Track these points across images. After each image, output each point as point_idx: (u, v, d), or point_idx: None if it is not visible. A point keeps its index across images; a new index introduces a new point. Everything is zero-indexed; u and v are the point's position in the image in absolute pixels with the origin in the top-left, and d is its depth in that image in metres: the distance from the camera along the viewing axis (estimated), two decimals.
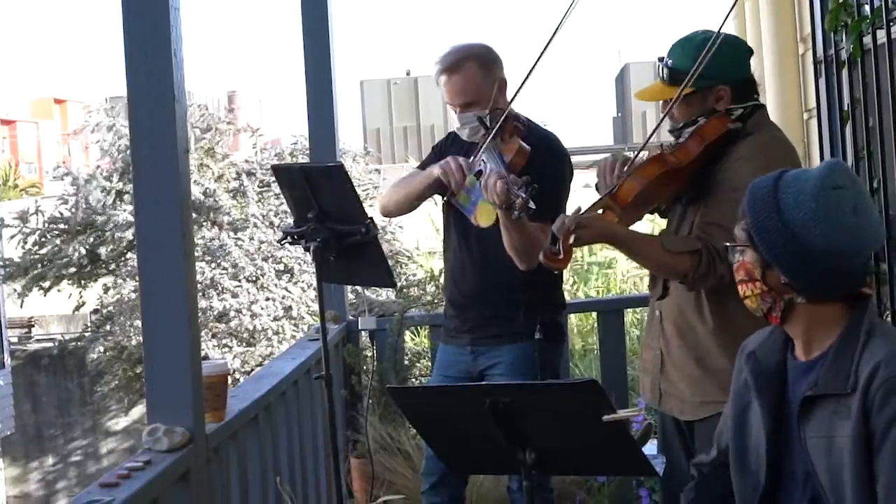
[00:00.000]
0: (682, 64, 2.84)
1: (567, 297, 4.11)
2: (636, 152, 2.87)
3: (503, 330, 3.46)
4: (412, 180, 3.48)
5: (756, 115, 2.87)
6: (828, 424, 2.03)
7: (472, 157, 3.26)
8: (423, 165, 3.57)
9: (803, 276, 2.07)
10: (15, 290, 15.89)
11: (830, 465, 2.03)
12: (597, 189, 2.95)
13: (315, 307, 13.76)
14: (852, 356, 2.03)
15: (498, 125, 3.21)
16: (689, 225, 2.84)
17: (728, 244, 2.22)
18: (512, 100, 3.25)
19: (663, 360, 2.92)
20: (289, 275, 14.10)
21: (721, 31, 2.84)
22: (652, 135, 2.94)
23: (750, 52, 3.00)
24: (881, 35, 3.71)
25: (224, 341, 13.59)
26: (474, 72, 3.36)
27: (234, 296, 13.45)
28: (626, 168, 2.81)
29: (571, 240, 2.67)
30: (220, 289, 13.42)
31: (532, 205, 2.85)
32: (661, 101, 2.99)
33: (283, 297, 13.75)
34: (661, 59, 2.94)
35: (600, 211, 2.75)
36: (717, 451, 2.36)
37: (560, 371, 3.64)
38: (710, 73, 2.77)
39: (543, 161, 3.27)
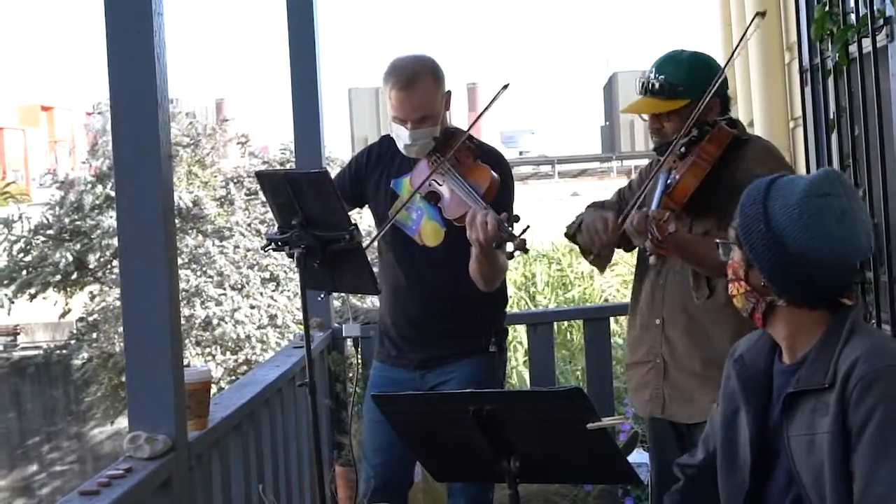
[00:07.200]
0: (676, 78, 2.96)
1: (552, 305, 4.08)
2: (644, 187, 2.98)
3: (457, 347, 3.33)
4: None
5: (738, 125, 3.02)
6: (808, 422, 2.03)
7: (419, 176, 3.17)
8: (340, 178, 3.44)
9: (781, 279, 2.08)
10: (3, 297, 15.79)
11: (811, 463, 2.02)
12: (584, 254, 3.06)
13: (301, 316, 13.66)
14: (832, 352, 2.03)
15: (455, 149, 3.15)
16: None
17: (718, 241, 2.24)
18: (470, 126, 3.23)
19: (666, 368, 3.00)
20: (274, 283, 14.03)
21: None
22: (663, 161, 2.96)
23: None
24: (867, 44, 3.71)
25: (208, 349, 13.52)
26: (430, 86, 3.22)
27: (219, 304, 13.37)
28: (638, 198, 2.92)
29: (671, 227, 2.73)
30: (204, 297, 13.35)
31: (526, 242, 2.82)
32: (645, 115, 3.07)
33: (268, 306, 13.67)
34: (647, 76, 3.02)
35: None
36: (703, 454, 2.36)
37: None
38: (705, 85, 2.90)
39: (501, 177, 3.19)
